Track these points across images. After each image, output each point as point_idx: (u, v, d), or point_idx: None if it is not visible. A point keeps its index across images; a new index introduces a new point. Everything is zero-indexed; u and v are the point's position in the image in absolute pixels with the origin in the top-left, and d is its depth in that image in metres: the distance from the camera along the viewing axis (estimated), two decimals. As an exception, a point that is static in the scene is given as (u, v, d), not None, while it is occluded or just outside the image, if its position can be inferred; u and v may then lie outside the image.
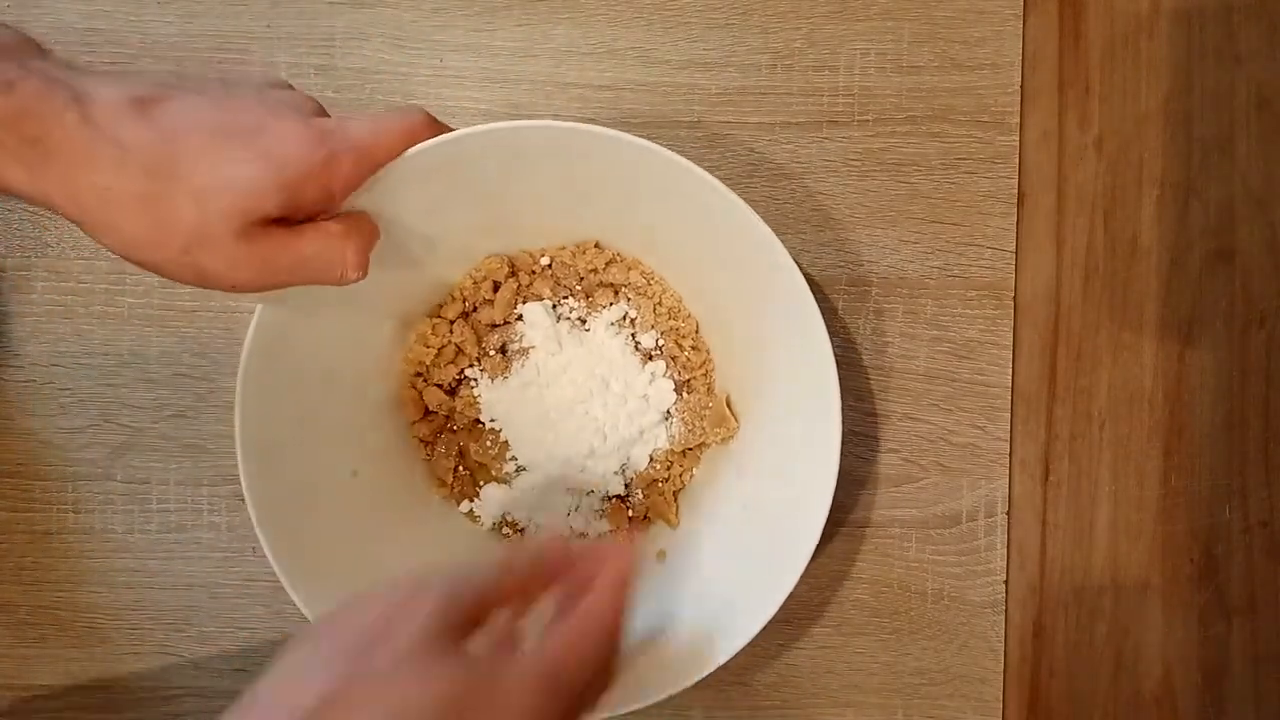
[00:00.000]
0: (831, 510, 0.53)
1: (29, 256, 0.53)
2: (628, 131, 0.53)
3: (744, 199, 0.53)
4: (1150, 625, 0.54)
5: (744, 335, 0.50)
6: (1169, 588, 0.54)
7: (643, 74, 0.53)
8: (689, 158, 0.53)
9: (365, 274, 0.44)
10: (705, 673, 0.46)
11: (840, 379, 0.53)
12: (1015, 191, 0.54)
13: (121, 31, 0.52)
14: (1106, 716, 0.54)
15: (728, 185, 0.53)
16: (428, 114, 0.44)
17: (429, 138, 0.44)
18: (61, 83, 0.39)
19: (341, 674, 0.34)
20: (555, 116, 0.53)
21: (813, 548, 0.45)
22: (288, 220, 0.42)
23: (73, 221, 0.40)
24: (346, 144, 0.42)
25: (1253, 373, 0.54)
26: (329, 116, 0.43)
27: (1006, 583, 0.54)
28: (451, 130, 0.45)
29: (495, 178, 0.47)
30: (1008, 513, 0.54)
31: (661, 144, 0.53)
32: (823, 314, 0.53)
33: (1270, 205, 0.54)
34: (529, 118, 0.53)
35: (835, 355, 0.53)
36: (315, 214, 0.42)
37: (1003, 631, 0.54)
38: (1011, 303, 0.54)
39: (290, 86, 0.45)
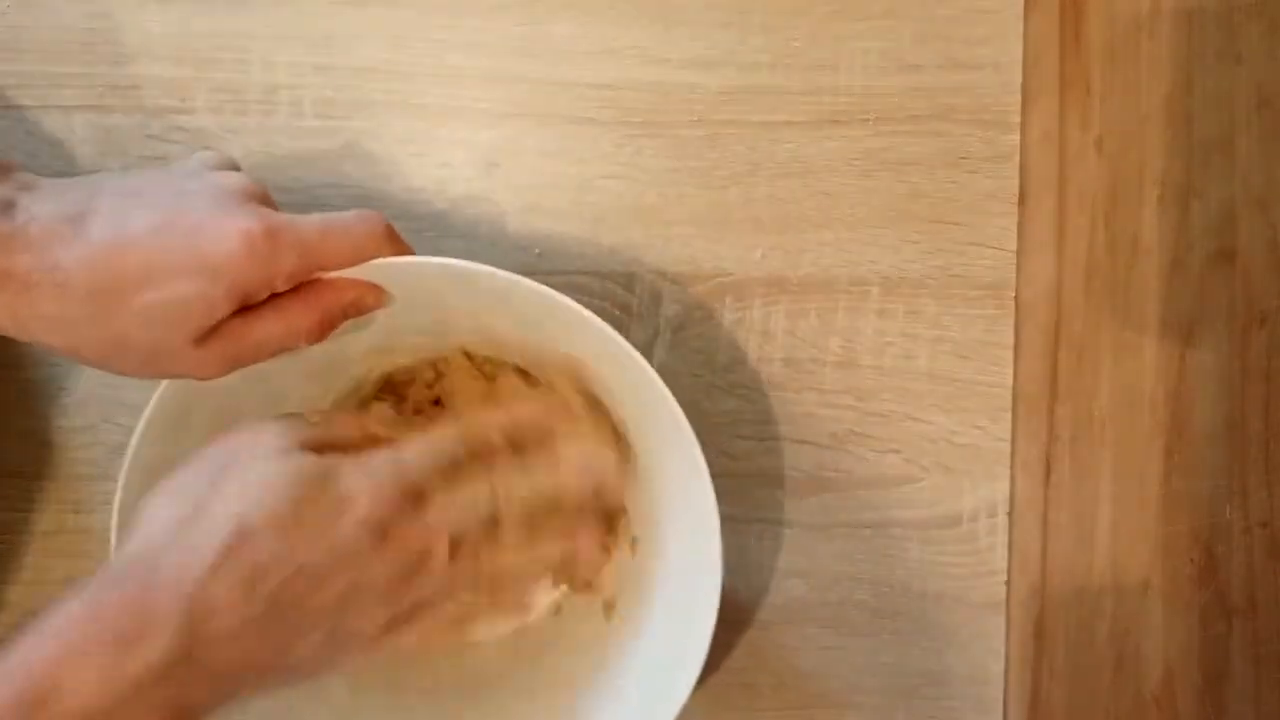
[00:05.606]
0: (832, 511, 0.54)
1: (28, 256, 0.53)
2: (628, 129, 0.54)
3: (745, 197, 0.54)
4: (1151, 625, 0.54)
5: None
6: (1169, 588, 0.54)
7: (643, 73, 0.53)
8: (689, 157, 0.53)
9: (323, 338, 0.43)
10: None
11: (840, 379, 0.54)
12: (1017, 191, 0.54)
13: (121, 31, 0.52)
14: (1107, 717, 0.54)
15: (729, 183, 0.53)
16: (387, 226, 0.42)
17: (380, 252, 0.42)
18: (9, 207, 0.38)
19: (208, 481, 0.38)
20: (554, 116, 0.53)
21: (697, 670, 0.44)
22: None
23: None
24: (292, 242, 0.40)
25: (1253, 373, 0.54)
26: (273, 203, 0.42)
27: (1008, 583, 0.54)
28: (408, 251, 0.43)
29: (436, 294, 0.45)
30: (1009, 513, 0.54)
31: (662, 144, 0.53)
32: (824, 314, 0.54)
33: (1271, 205, 0.54)
34: (525, 117, 0.53)
35: (837, 355, 0.54)
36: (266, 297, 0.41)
37: (1004, 632, 0.54)
38: (1013, 302, 0.54)
39: (236, 166, 0.44)
